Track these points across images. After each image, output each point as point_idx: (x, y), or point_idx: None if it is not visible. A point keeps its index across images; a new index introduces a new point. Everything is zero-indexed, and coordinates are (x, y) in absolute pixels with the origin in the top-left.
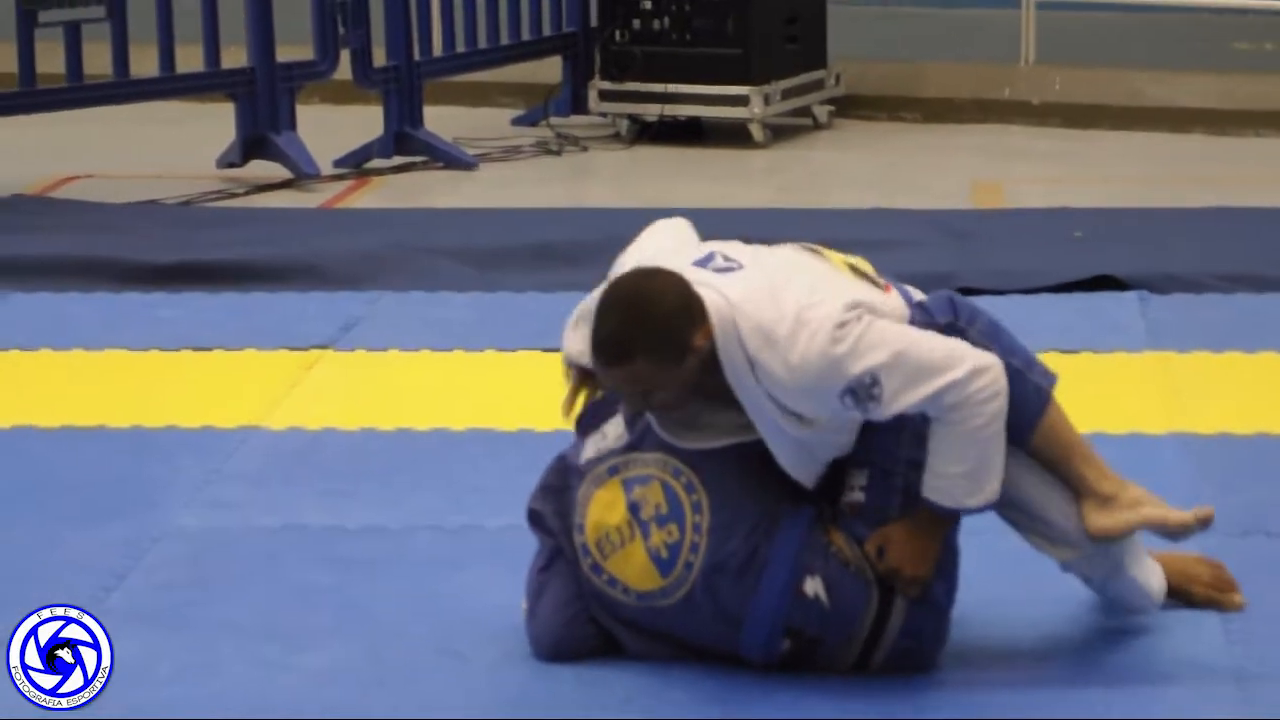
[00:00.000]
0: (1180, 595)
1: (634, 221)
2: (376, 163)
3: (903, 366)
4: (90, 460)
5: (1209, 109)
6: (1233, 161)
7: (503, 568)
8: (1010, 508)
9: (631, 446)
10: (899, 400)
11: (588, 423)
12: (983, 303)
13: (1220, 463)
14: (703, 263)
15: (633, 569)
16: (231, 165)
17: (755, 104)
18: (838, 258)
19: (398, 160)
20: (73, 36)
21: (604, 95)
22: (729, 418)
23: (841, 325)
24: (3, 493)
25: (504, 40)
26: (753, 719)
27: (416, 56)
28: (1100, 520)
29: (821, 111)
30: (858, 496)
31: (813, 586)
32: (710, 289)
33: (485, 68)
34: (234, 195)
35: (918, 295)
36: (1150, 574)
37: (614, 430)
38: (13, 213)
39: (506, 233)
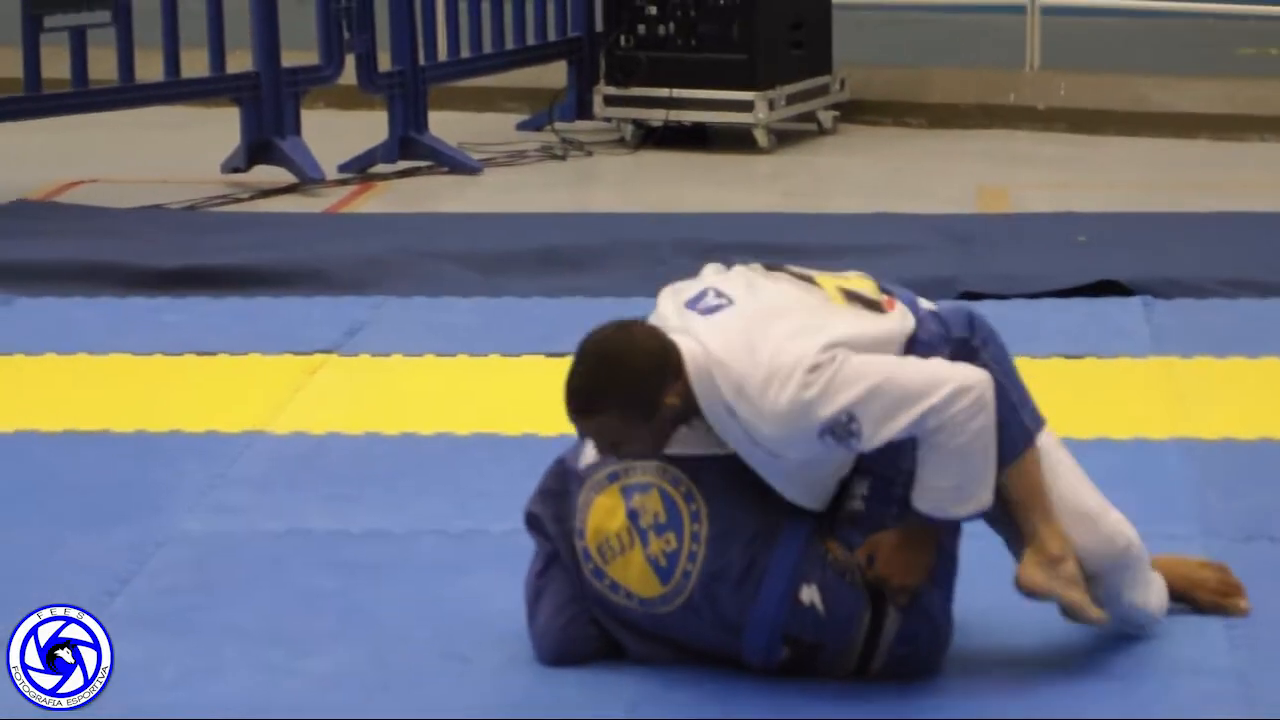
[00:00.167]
0: (1185, 600)
1: (639, 226)
2: (381, 168)
3: (880, 399)
4: (94, 464)
5: (1213, 114)
6: (1237, 167)
7: (507, 572)
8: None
9: None
10: (881, 432)
11: None
12: (987, 308)
13: (1224, 468)
14: (694, 302)
15: (633, 575)
16: (236, 170)
17: (760, 109)
18: (831, 285)
19: (402, 165)
20: (78, 41)
21: (609, 100)
22: None
23: (813, 369)
24: (7, 496)
25: (509, 45)
26: None
27: (421, 61)
28: (1037, 577)
29: (826, 117)
30: (858, 505)
31: (809, 595)
32: (690, 338)
33: (490, 72)
34: (239, 200)
35: (929, 305)
36: (1151, 592)
37: None
38: (17, 217)
39: (511, 238)
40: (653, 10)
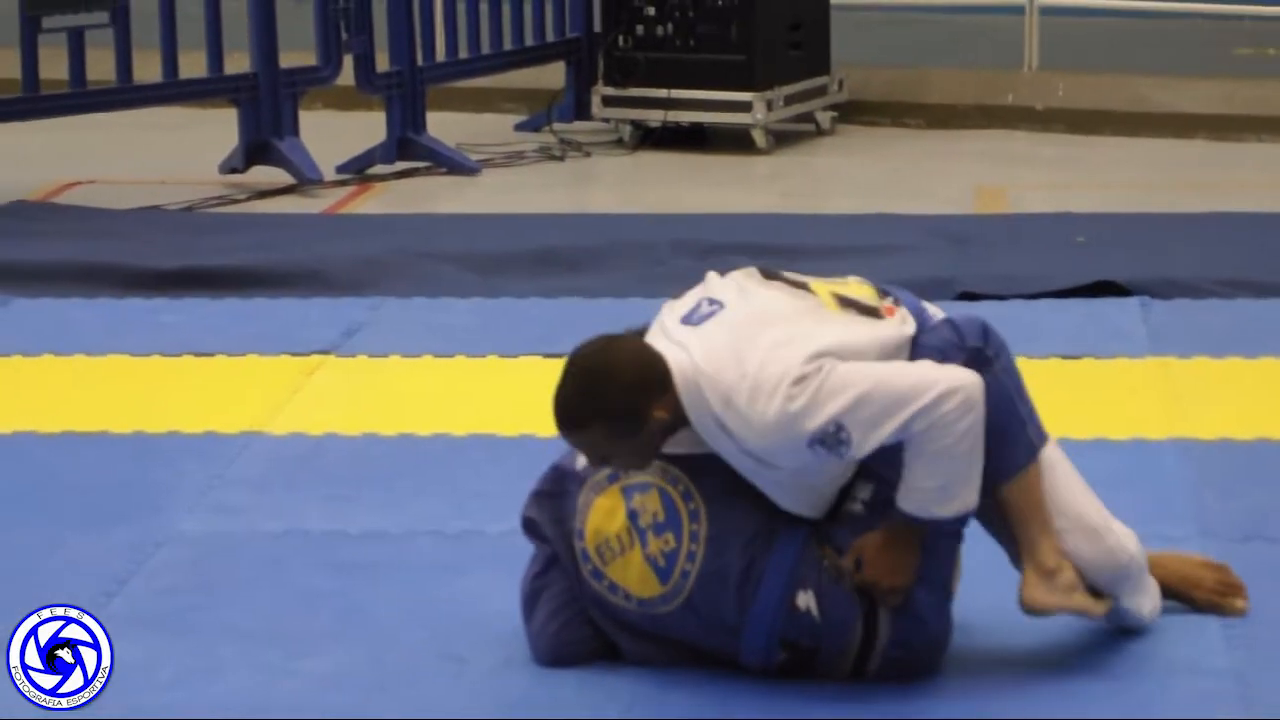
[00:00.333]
0: (1181, 599)
1: (637, 227)
2: (379, 168)
3: (868, 406)
4: (93, 465)
5: (1212, 114)
6: (1235, 167)
7: (504, 573)
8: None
9: None
10: (870, 439)
11: None
12: (985, 308)
13: (1221, 468)
14: (688, 317)
15: (632, 576)
16: (234, 171)
17: (758, 110)
18: (825, 291)
19: (401, 166)
20: (76, 42)
21: (607, 101)
22: None
23: (798, 381)
24: (6, 497)
25: (507, 46)
26: None
27: (420, 62)
28: (1039, 596)
29: (825, 117)
30: (857, 509)
31: (804, 600)
32: (680, 349)
33: (488, 73)
34: (237, 201)
35: (939, 313)
36: (1146, 599)
37: None
38: (16, 218)
39: (509, 238)
40: (651, 11)
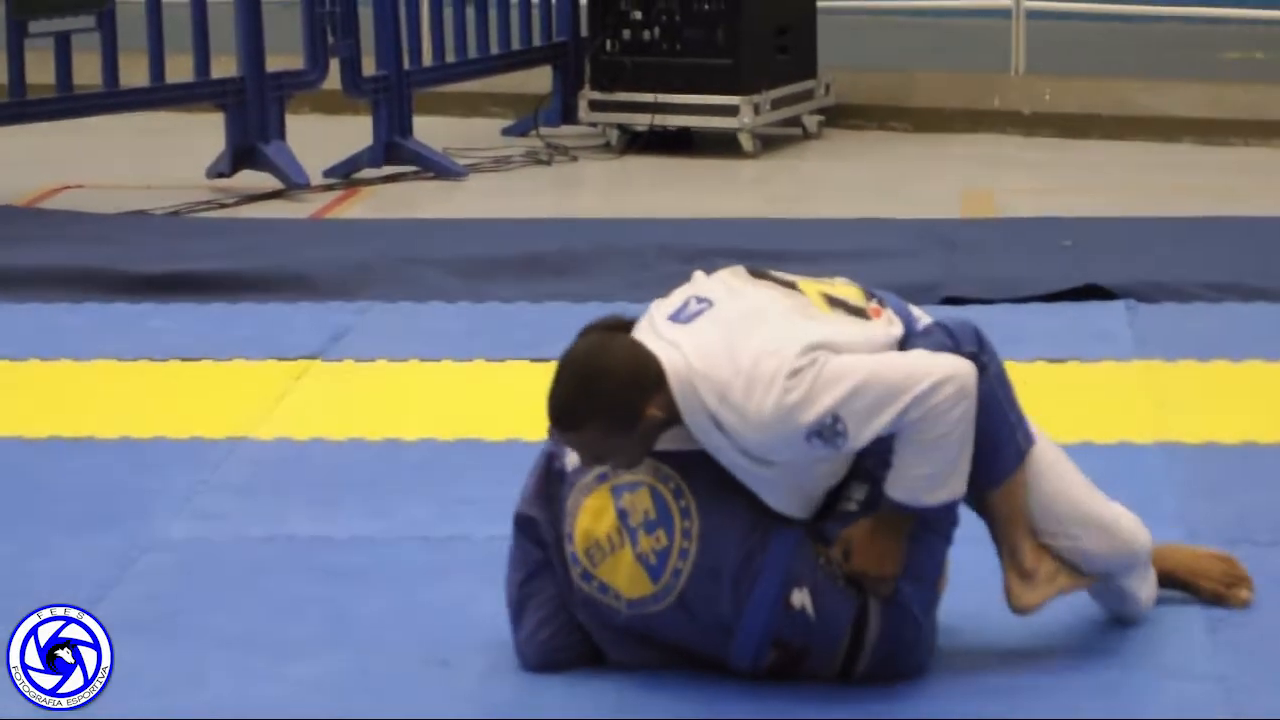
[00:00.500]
0: (1187, 589)
1: (624, 231)
2: (366, 173)
3: (863, 396)
4: (78, 471)
5: (1199, 118)
6: (1222, 171)
7: (490, 578)
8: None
9: None
10: (866, 430)
11: None
12: (971, 312)
13: (1208, 472)
14: (676, 314)
15: (622, 576)
16: (221, 175)
17: (745, 114)
18: (814, 290)
19: (387, 170)
20: (63, 46)
21: (594, 105)
22: None
23: (794, 373)
24: None
25: (494, 50)
26: None
27: (406, 66)
28: (1025, 596)
29: (811, 121)
30: (852, 509)
31: (800, 598)
32: (672, 347)
33: (475, 77)
34: (223, 205)
35: (925, 317)
36: (1146, 586)
37: None
38: (2, 223)
39: (496, 243)
40: (637, 15)
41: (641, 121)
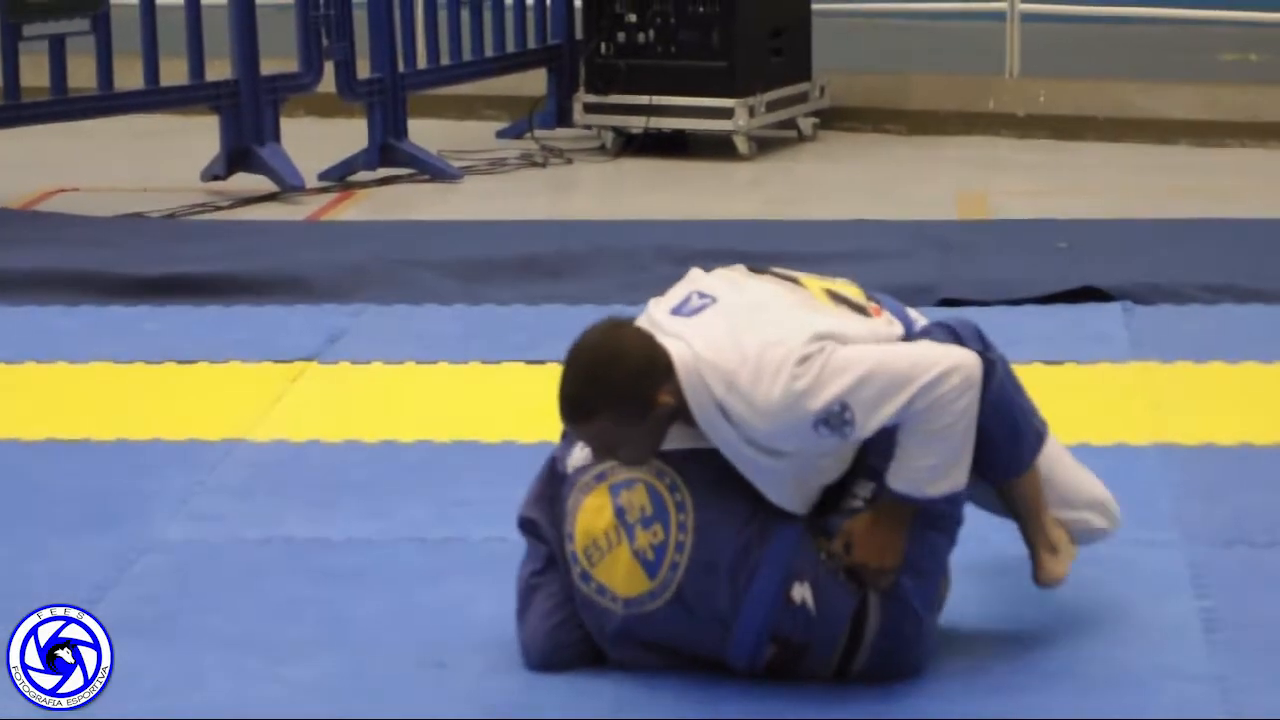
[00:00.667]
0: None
1: (619, 234)
2: (361, 175)
3: (871, 385)
4: (75, 473)
5: (1194, 120)
6: (1217, 172)
7: (487, 580)
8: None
9: None
10: (873, 419)
11: None
12: (967, 314)
13: (1204, 473)
14: (678, 308)
15: (619, 574)
16: (216, 178)
17: (740, 116)
18: (816, 285)
19: (383, 173)
20: (57, 49)
21: (589, 108)
22: None
23: (802, 361)
24: None
25: (489, 53)
26: None
27: (401, 69)
28: (1057, 568)
29: (806, 124)
30: (858, 505)
31: (800, 593)
32: (678, 340)
33: (470, 80)
34: (219, 208)
35: (922, 320)
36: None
37: None
38: None
39: (491, 245)
40: (632, 18)
41: (636, 124)
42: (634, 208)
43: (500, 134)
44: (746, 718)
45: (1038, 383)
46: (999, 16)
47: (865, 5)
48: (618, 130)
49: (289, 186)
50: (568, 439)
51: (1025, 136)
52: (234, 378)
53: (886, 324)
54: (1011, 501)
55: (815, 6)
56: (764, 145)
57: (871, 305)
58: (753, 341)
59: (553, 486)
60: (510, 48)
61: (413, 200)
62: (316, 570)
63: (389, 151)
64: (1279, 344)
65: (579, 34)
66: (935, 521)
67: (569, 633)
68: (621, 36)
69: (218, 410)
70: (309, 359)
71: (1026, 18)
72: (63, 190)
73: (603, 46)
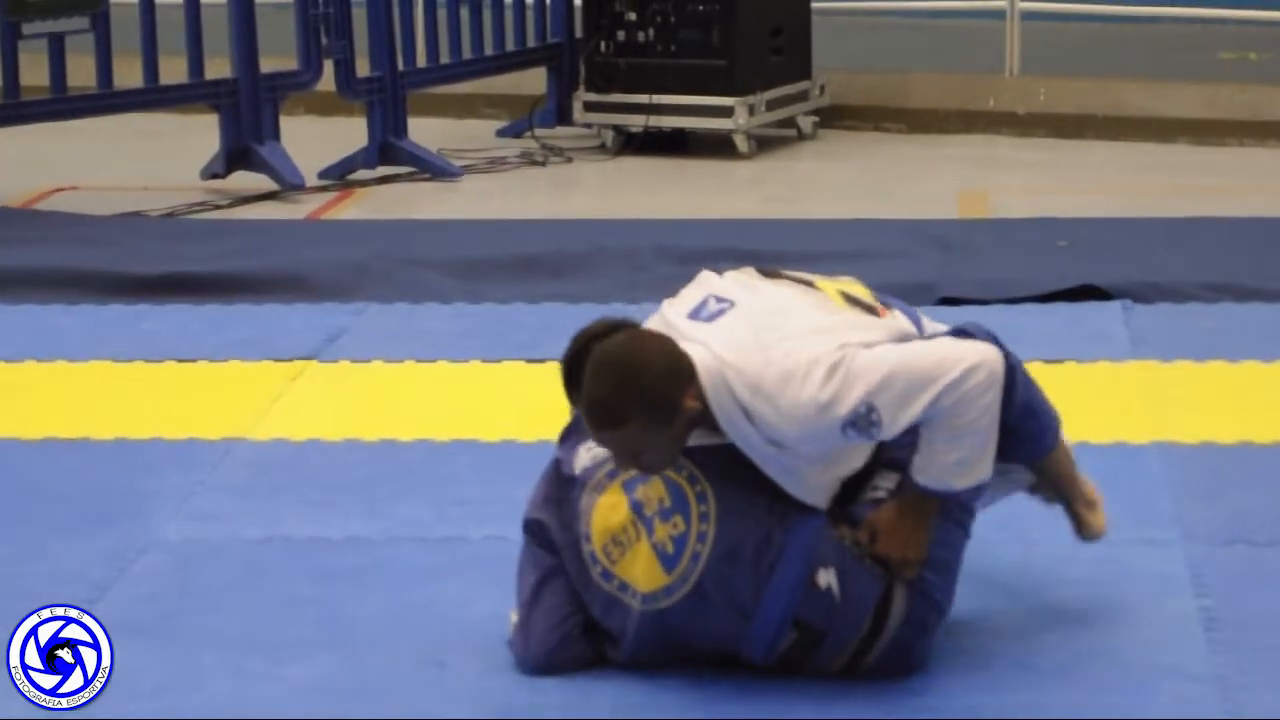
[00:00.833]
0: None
1: (619, 232)
2: (361, 174)
3: (895, 386)
4: (74, 472)
5: (1194, 119)
6: (1217, 171)
7: (486, 579)
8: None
9: None
10: (900, 418)
11: (576, 427)
12: (967, 313)
13: (1204, 472)
14: (696, 312)
15: (639, 569)
16: (215, 176)
17: (740, 115)
18: (830, 287)
19: (382, 171)
20: (56, 48)
21: (589, 106)
22: None
23: (826, 366)
24: None
25: (488, 51)
26: None
27: (401, 67)
28: (1097, 522)
29: (806, 122)
30: (881, 496)
31: (825, 578)
32: (699, 345)
33: (470, 79)
34: (218, 207)
35: (930, 325)
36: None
37: None
38: None
39: (491, 244)
40: (632, 16)
41: (636, 123)
42: (634, 206)
43: (500, 133)
44: (746, 718)
45: (1038, 381)
46: (999, 15)
47: (865, 4)
48: (618, 129)
49: (289, 185)
50: (569, 442)
51: (1025, 135)
52: (234, 377)
53: (898, 322)
54: (1041, 469)
55: (815, 5)
56: (764, 144)
57: (880, 307)
58: (777, 346)
59: (560, 489)
60: (510, 46)
61: (412, 199)
62: (316, 569)
63: (389, 150)
64: (1279, 343)
65: (579, 32)
66: (951, 514)
67: (575, 642)
68: (621, 35)
69: (217, 409)
70: (309, 358)
71: (1026, 16)
72: (62, 189)
73: (603, 45)
